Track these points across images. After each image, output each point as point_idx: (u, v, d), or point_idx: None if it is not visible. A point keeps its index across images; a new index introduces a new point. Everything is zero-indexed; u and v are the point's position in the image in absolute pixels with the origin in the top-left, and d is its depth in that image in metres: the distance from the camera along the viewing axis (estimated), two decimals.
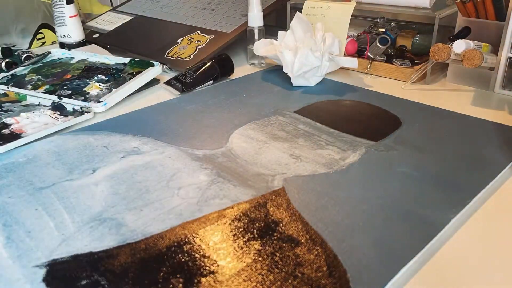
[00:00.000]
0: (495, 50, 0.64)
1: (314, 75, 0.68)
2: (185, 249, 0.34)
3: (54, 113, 0.58)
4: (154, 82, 0.71)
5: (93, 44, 0.88)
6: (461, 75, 0.68)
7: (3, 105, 0.61)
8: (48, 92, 0.64)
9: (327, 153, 0.48)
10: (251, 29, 0.77)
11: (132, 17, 0.95)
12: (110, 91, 0.64)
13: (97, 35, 0.93)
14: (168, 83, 0.69)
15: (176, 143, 0.51)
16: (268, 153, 0.48)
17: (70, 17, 0.84)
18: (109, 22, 0.96)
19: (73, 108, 0.59)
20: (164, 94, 0.68)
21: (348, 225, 0.36)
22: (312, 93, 0.65)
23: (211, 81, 0.70)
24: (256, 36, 0.77)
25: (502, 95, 0.64)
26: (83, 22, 0.92)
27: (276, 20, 0.97)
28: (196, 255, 0.33)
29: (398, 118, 0.56)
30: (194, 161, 0.47)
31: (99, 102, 0.61)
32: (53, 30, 0.89)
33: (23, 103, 0.62)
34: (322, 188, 0.42)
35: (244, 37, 0.79)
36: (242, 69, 0.78)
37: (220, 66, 0.71)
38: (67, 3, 0.83)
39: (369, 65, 0.73)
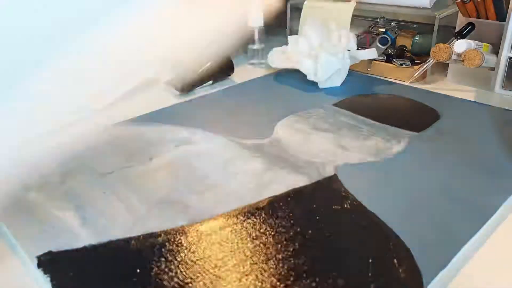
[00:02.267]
0: (496, 50, 0.64)
1: (338, 75, 0.68)
2: (257, 222, 0.36)
3: None
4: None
5: None
6: (461, 75, 0.68)
7: None
8: None
9: (373, 143, 0.49)
10: (251, 29, 0.77)
11: None
12: None
13: None
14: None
15: (223, 134, 0.52)
16: (315, 142, 0.50)
17: None
18: None
19: None
20: (164, 94, 0.68)
21: (404, 209, 0.38)
22: (339, 89, 0.67)
23: (211, 81, 0.70)
24: (256, 36, 0.77)
25: (502, 95, 0.64)
26: None
27: (276, 20, 0.97)
28: (268, 232, 0.35)
29: (436, 111, 0.57)
30: (244, 150, 0.48)
31: None
32: None
33: None
34: (373, 175, 0.43)
35: (244, 37, 0.79)
36: (242, 69, 0.77)
37: (220, 66, 0.71)
38: None
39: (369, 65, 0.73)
